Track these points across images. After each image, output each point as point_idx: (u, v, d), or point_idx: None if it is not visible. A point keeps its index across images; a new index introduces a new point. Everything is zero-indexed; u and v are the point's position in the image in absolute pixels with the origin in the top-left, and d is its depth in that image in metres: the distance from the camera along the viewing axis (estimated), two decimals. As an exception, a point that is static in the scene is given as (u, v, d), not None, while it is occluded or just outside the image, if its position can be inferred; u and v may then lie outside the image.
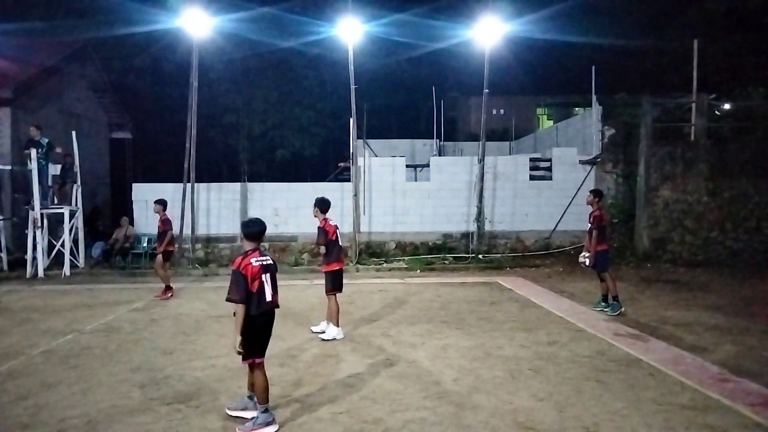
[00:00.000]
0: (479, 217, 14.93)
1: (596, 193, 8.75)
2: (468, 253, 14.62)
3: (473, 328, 7.52)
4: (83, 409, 4.78)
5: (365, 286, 11.16)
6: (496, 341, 6.84)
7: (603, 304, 8.49)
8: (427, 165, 16.59)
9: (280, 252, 14.73)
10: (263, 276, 4.38)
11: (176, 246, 11.99)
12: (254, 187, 15.74)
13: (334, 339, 6.99)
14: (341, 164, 18.51)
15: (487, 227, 15.29)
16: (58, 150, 13.74)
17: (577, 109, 28.27)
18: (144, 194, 15.27)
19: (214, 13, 14.50)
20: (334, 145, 26.22)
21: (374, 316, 8.41)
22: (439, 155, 20.42)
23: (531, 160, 16.29)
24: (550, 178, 15.79)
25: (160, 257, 10.08)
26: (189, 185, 14.34)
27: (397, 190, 15.60)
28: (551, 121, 31.69)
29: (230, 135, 25.03)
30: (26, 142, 13.37)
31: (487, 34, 14.04)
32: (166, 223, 10.11)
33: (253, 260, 4.37)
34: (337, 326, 7.12)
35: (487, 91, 14.58)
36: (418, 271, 13.26)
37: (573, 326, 7.59)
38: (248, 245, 4.54)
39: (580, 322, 7.80)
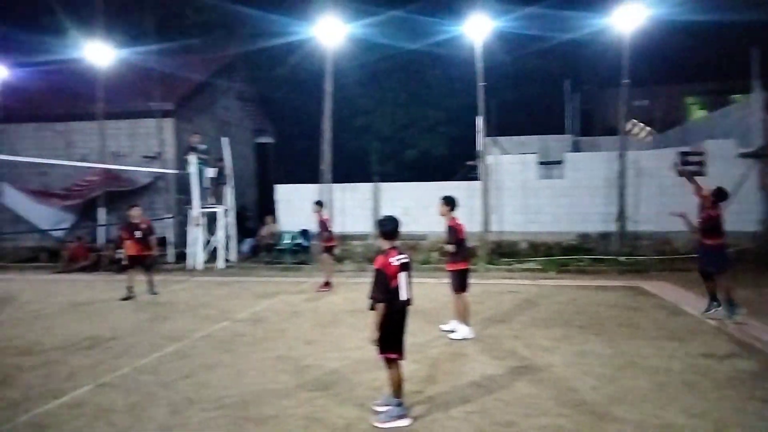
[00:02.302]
0: (620, 216, 13.95)
1: (718, 194, 7.79)
2: (607, 255, 13.74)
3: (614, 335, 7.07)
4: (238, 389, 5.27)
5: (495, 286, 10.97)
6: (641, 350, 6.36)
7: (714, 303, 7.72)
8: (561, 162, 15.87)
9: (409, 250, 14.98)
10: (400, 274, 4.47)
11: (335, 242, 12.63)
12: (385, 186, 16.19)
13: (465, 338, 6.97)
14: (469, 162, 18.37)
15: (630, 227, 14.24)
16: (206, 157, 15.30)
17: (735, 96, 25.30)
18: (286, 194, 16.41)
19: (347, 21, 15.12)
20: (462, 143, 26.00)
21: (504, 317, 8.25)
22: (575, 151, 19.42)
23: (680, 154, 14.88)
24: (704, 174, 14.28)
25: (325, 253, 10.94)
26: (325, 186, 15.14)
27: (528, 188, 15.12)
28: (703, 111, 28.71)
29: (362, 137, 25.94)
30: (187, 148, 15.03)
31: (627, 20, 13.07)
32: (322, 224, 10.88)
33: (392, 259, 4.45)
34: (467, 325, 7.09)
35: (626, 81, 13.60)
36: (554, 272, 12.72)
37: (732, 338, 6.82)
38: (386, 243, 4.60)
39: (740, 333, 6.99)
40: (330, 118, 14.89)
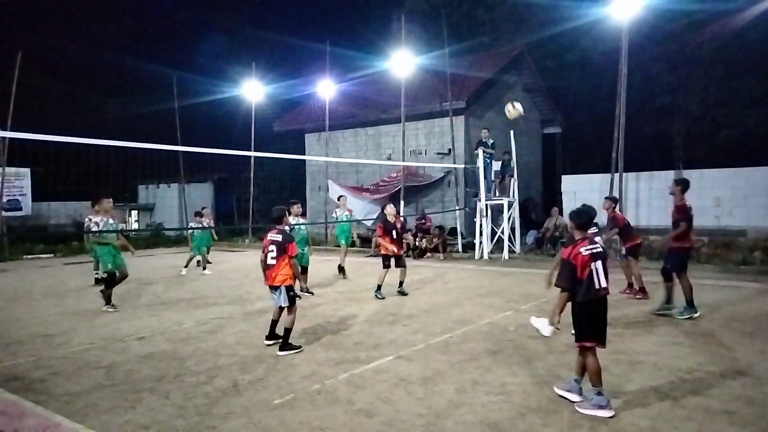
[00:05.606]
0: None
1: None
2: None
3: None
4: (521, 378, 5.32)
5: None
6: None
7: None
8: None
9: (722, 248, 12.79)
10: (592, 264, 4.46)
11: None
12: (690, 174, 14.14)
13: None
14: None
15: None
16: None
17: None
18: (572, 185, 15.80)
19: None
20: (802, 118, 20.93)
21: None
22: None
23: None
24: None
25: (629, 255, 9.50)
26: (617, 175, 14.03)
27: None
28: None
29: (663, 119, 23.18)
30: (477, 143, 15.75)
31: None
32: (615, 220, 9.49)
33: (582, 249, 4.49)
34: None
35: None
36: None
37: None
38: (578, 234, 4.69)
39: None
40: (624, 101, 13.70)
